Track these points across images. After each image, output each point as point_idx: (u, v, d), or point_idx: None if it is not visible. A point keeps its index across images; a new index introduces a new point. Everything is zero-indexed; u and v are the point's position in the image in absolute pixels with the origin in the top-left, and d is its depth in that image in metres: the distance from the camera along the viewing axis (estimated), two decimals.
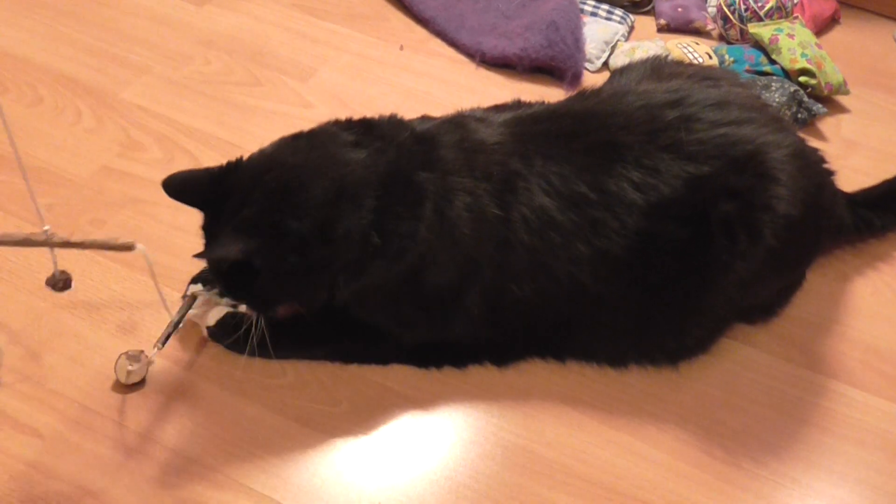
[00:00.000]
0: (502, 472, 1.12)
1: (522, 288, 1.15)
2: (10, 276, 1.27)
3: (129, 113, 1.59)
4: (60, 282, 1.06)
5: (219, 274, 1.10)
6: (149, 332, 1.20)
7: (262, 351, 1.14)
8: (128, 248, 1.02)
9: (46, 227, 0.99)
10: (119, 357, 1.14)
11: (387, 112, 1.21)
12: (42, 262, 1.28)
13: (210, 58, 1.75)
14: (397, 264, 1.10)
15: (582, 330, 1.21)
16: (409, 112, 1.27)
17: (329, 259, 1.06)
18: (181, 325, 1.17)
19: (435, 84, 1.77)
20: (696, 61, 1.79)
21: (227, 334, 1.18)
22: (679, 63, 1.38)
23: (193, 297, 1.18)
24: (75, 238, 1.01)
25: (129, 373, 1.13)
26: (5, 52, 1.68)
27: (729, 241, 1.13)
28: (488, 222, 1.12)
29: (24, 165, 1.35)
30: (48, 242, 1.00)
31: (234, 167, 1.09)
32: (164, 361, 1.18)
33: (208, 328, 1.19)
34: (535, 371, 1.24)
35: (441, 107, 1.35)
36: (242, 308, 1.20)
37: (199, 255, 1.05)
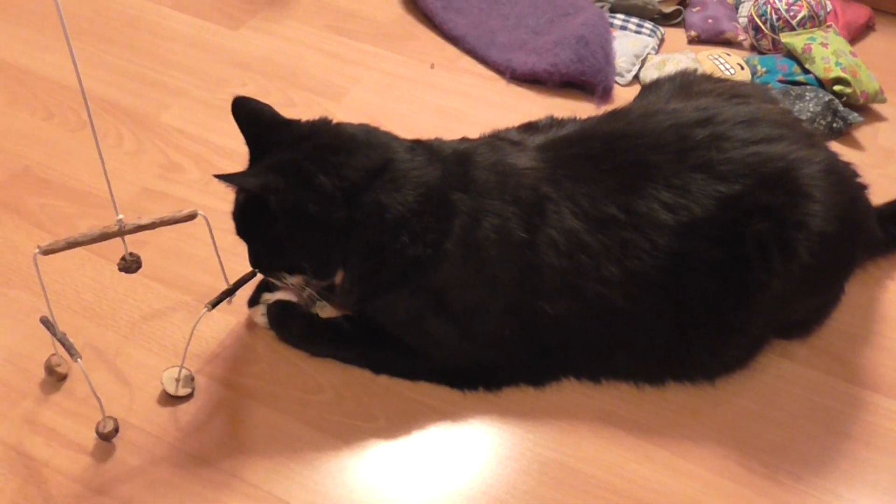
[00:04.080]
0: (539, 488, 1.11)
1: (554, 309, 1.15)
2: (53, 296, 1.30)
3: (168, 135, 1.63)
4: (133, 263, 1.10)
5: (238, 210, 1.11)
6: (191, 351, 1.21)
7: (303, 344, 1.23)
8: (191, 217, 1.09)
9: (120, 217, 1.03)
10: (165, 371, 1.18)
11: (419, 129, 1.23)
12: (76, 280, 1.32)
13: (245, 80, 1.78)
14: (417, 271, 1.11)
15: (617, 350, 1.21)
16: (441, 129, 1.30)
17: (346, 228, 1.07)
18: (235, 294, 1.19)
19: (466, 101, 1.78)
20: (727, 73, 1.79)
21: (276, 318, 1.24)
22: (708, 79, 1.38)
23: (253, 273, 1.20)
24: (144, 220, 1.05)
25: (177, 385, 1.16)
26: (51, 79, 1.73)
27: (764, 259, 1.12)
28: (514, 245, 1.13)
29: (67, 188, 1.39)
30: (122, 231, 1.03)
31: (297, 122, 1.14)
32: (207, 380, 1.21)
33: (268, 306, 1.25)
34: (570, 387, 1.24)
35: (472, 123, 1.37)
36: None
37: (220, 176, 1.04)
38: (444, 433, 1.17)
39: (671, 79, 1.39)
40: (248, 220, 1.11)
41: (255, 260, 1.15)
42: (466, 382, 1.22)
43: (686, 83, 1.35)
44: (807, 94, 1.69)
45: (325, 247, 1.09)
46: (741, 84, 1.45)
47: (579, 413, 1.20)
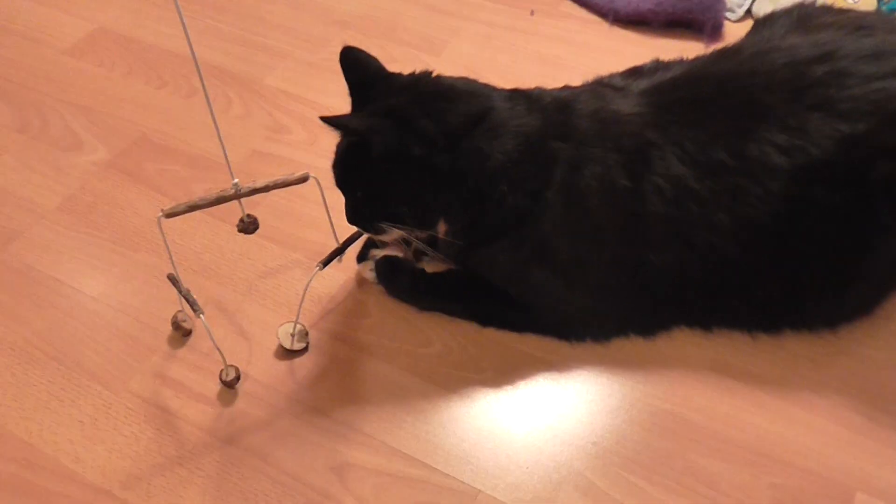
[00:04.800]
0: (650, 438, 1.12)
1: (661, 259, 1.14)
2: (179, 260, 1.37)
3: (274, 97, 1.68)
4: (250, 225, 1.15)
5: (340, 159, 1.13)
6: (304, 307, 1.27)
7: (410, 298, 1.27)
8: (303, 179, 1.11)
9: (236, 181, 1.07)
10: (281, 326, 1.23)
11: (520, 79, 1.23)
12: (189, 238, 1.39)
13: (346, 38, 1.80)
14: (518, 221, 1.11)
15: (729, 299, 1.19)
16: (543, 78, 1.28)
17: (448, 174, 1.07)
18: (344, 252, 1.22)
19: (568, 47, 1.75)
20: (850, 2, 1.68)
21: (385, 273, 1.28)
22: (828, 10, 1.31)
23: (360, 232, 1.23)
24: (259, 183, 1.09)
25: (292, 339, 1.22)
26: (163, 49, 1.81)
27: (890, 203, 1.07)
28: (617, 193, 1.11)
29: (182, 153, 1.45)
30: (238, 195, 1.08)
31: (399, 74, 1.15)
32: (320, 334, 1.26)
33: (376, 261, 1.28)
34: (681, 336, 1.23)
35: (575, 70, 1.35)
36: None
37: (326, 118, 1.04)
38: (553, 384, 1.19)
39: (787, 12, 1.33)
40: (350, 168, 1.12)
41: (354, 212, 1.16)
42: (574, 334, 1.23)
43: (803, 16, 1.29)
44: None
45: (427, 193, 1.10)
46: (865, 14, 1.36)
47: (691, 363, 1.19)
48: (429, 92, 1.11)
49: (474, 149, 1.08)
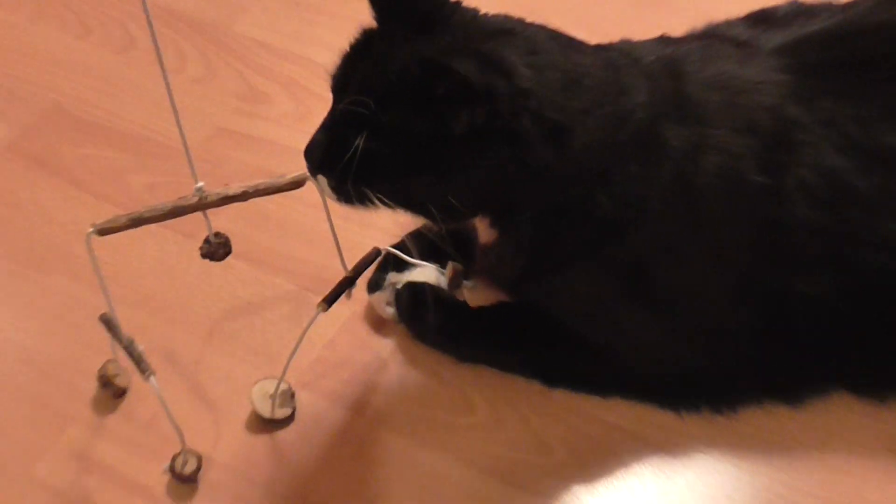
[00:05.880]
0: None
1: (811, 287, 1.11)
2: None
3: (247, 52, 1.68)
4: (219, 248, 1.15)
5: (385, 81, 1.02)
6: (286, 353, 1.20)
7: (445, 344, 1.26)
8: (298, 184, 1.08)
9: (200, 185, 1.05)
10: (256, 385, 1.20)
11: (599, 24, 1.21)
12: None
13: None
14: (608, 239, 1.10)
15: None
16: (631, 22, 1.27)
17: (539, 172, 1.03)
18: (355, 284, 1.18)
19: None
20: None
21: (408, 308, 1.26)
22: None
23: (377, 252, 1.20)
24: (233, 189, 1.06)
25: (272, 404, 1.18)
26: None
27: None
28: (748, 194, 1.10)
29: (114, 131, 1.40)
30: (203, 204, 1.05)
31: (476, 11, 1.08)
32: (312, 396, 1.23)
33: (396, 290, 1.27)
34: (841, 403, 1.19)
35: (676, 11, 1.35)
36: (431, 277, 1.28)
37: (427, 60, 0.98)
38: (654, 472, 1.15)
39: None
40: (394, 101, 1.00)
41: (335, 154, 1.03)
42: (682, 399, 1.20)
43: None
44: None
45: (493, 185, 1.04)
46: None
47: (857, 444, 1.16)
48: (553, 63, 1.04)
49: (582, 148, 1.03)
